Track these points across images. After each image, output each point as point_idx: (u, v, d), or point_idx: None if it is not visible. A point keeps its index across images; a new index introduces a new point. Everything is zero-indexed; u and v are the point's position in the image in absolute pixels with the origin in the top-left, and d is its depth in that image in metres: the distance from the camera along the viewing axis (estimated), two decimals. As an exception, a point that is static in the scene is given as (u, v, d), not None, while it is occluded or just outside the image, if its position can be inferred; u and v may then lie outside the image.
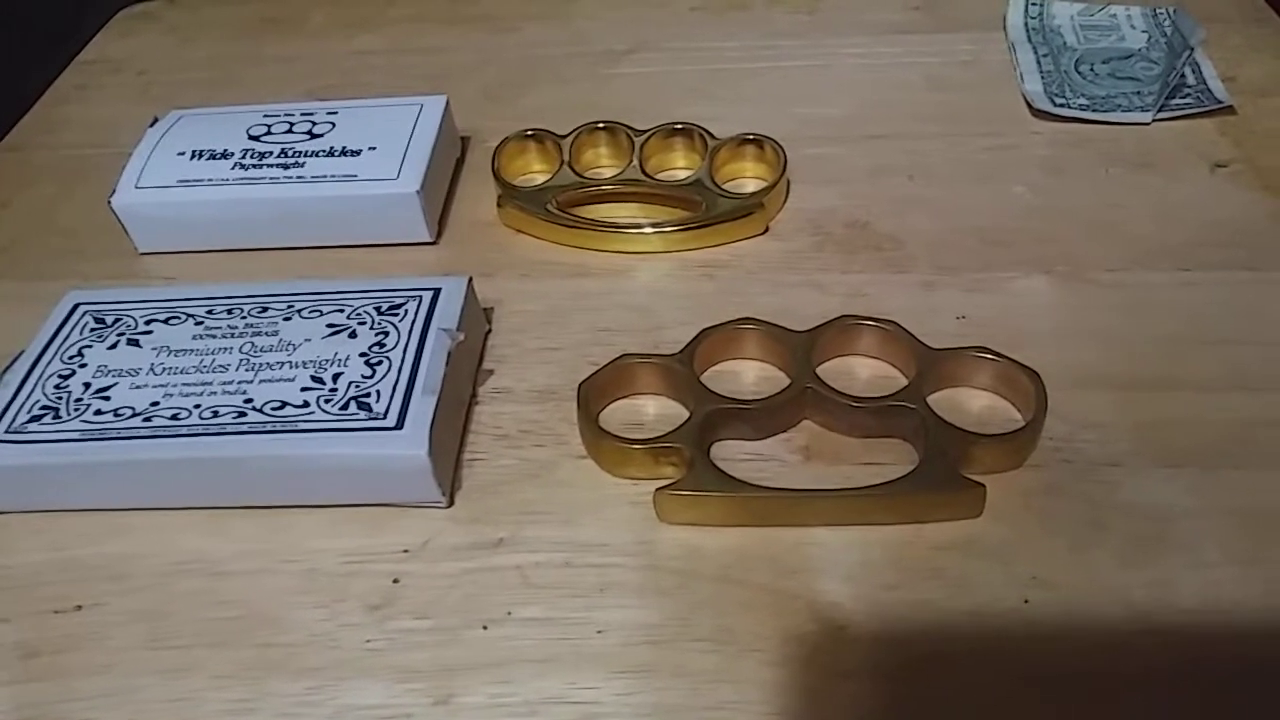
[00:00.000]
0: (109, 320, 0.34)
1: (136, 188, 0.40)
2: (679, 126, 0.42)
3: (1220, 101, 0.43)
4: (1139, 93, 0.44)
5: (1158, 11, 0.48)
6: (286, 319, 0.33)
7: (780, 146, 0.40)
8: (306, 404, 0.31)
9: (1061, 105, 0.43)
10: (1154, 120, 0.43)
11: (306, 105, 0.43)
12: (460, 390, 0.33)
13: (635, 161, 0.41)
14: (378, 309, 0.34)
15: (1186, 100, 0.43)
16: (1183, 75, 0.44)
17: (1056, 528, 0.29)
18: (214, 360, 0.32)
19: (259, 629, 0.29)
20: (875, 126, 0.44)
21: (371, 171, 0.39)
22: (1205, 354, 0.33)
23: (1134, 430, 0.31)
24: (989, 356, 0.32)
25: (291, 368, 0.32)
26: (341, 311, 0.34)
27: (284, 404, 0.31)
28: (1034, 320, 0.35)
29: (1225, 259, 0.37)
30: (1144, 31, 0.47)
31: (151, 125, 0.42)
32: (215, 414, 0.31)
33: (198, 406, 0.31)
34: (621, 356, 0.33)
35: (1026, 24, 0.48)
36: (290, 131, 0.41)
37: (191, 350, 0.33)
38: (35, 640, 0.29)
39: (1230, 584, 0.28)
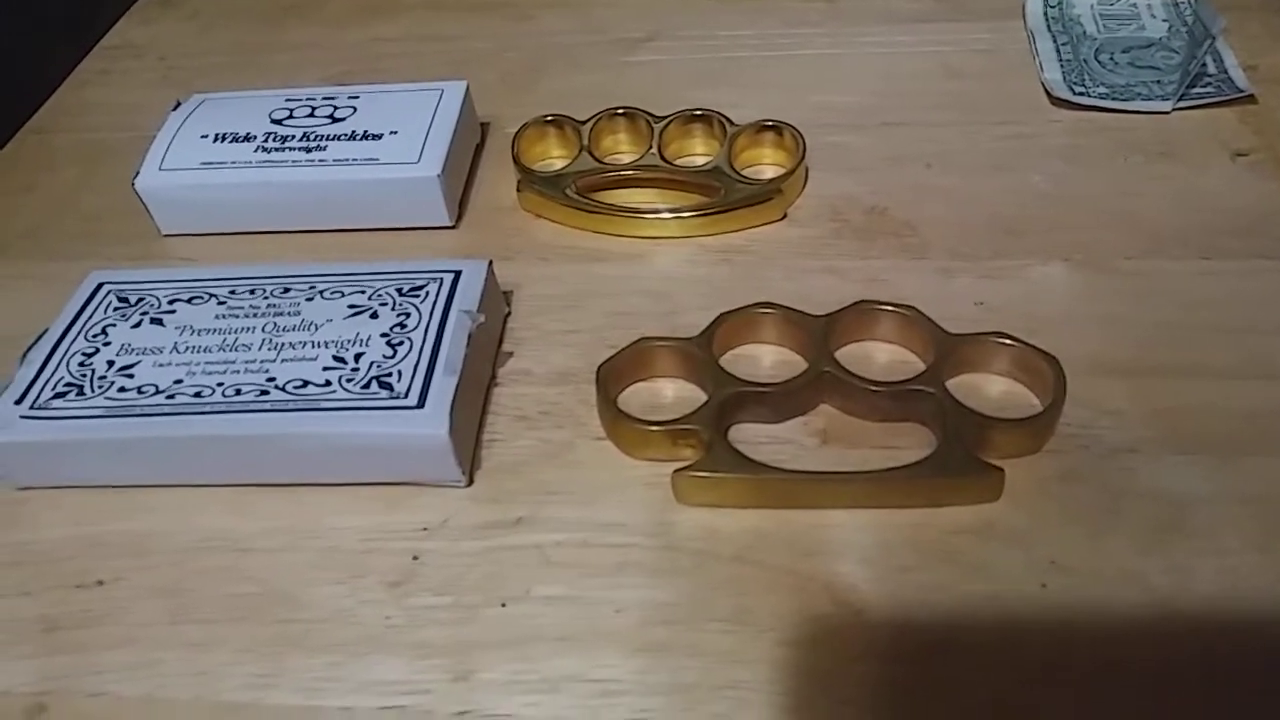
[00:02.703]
0: (132, 299, 0.34)
1: (160, 170, 0.40)
2: (698, 113, 0.42)
3: (1241, 90, 0.42)
4: (1159, 81, 0.44)
5: (1178, 0, 0.48)
6: (309, 299, 0.34)
7: (799, 133, 0.40)
8: (328, 383, 0.31)
9: (1081, 94, 0.43)
10: (1174, 109, 0.42)
11: (328, 90, 0.43)
12: (480, 372, 0.34)
13: (654, 147, 0.41)
14: (399, 290, 0.34)
15: (1207, 89, 0.43)
16: (1203, 64, 0.44)
17: (1074, 513, 0.29)
18: (237, 339, 0.33)
19: (280, 605, 0.29)
20: (893, 114, 0.44)
21: (393, 155, 0.39)
22: (1224, 342, 0.33)
23: (1152, 417, 0.31)
24: (1007, 342, 0.32)
25: (314, 347, 0.32)
26: (363, 293, 0.34)
27: (306, 383, 0.31)
28: (1052, 307, 0.35)
29: (1245, 248, 0.37)
30: (1164, 20, 0.47)
31: (174, 109, 0.43)
32: (238, 392, 0.31)
33: (220, 385, 0.31)
34: (640, 340, 0.33)
35: (1046, 12, 0.48)
36: (312, 115, 0.41)
37: (214, 329, 0.33)
38: (57, 614, 0.29)
39: (1248, 570, 0.28)
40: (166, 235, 0.41)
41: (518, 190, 0.41)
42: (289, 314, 0.33)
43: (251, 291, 0.34)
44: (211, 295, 0.34)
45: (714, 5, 0.52)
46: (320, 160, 0.39)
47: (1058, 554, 0.28)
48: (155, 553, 0.31)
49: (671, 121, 0.42)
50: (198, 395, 0.31)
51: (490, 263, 0.35)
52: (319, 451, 0.30)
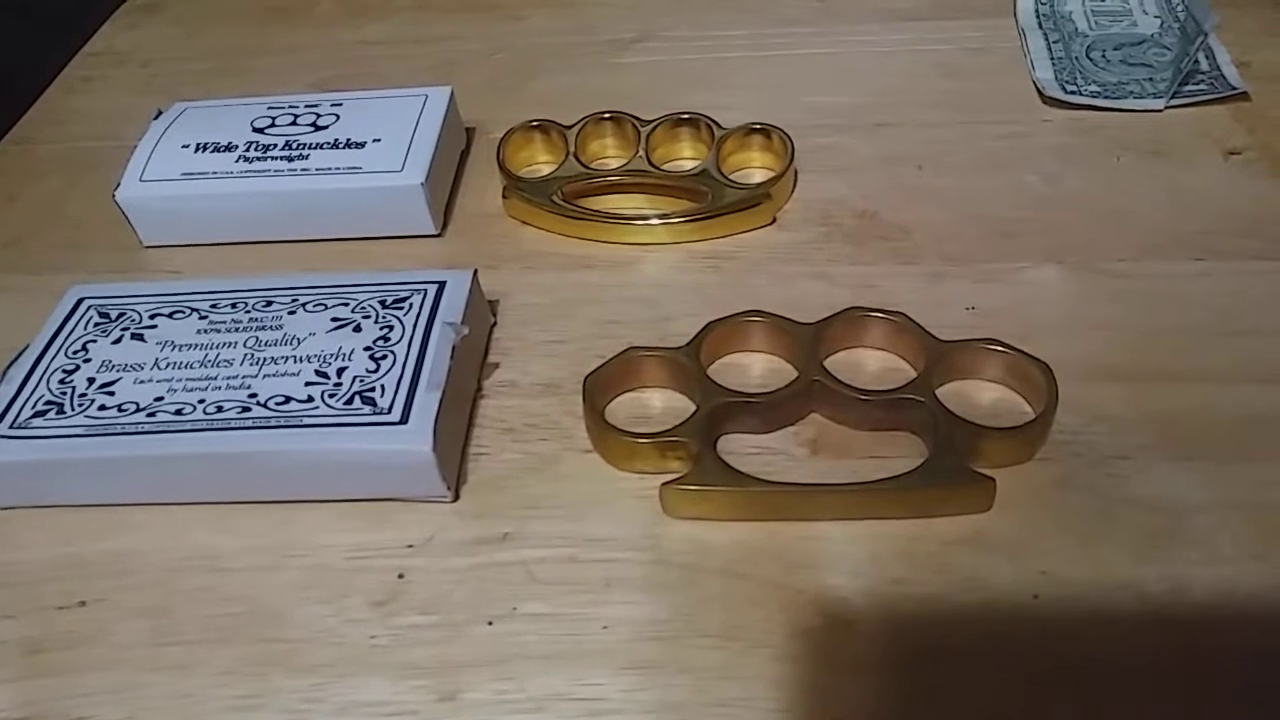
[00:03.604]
0: (113, 315, 0.34)
1: (141, 181, 0.40)
2: (685, 116, 0.41)
3: (1234, 88, 0.42)
4: (1151, 79, 0.43)
5: (1171, -4, 0.47)
6: (291, 313, 0.33)
7: (788, 136, 0.40)
8: (311, 399, 0.31)
9: (1073, 92, 0.43)
10: (1167, 107, 0.42)
11: (311, 97, 0.43)
12: (465, 384, 0.33)
13: (641, 152, 0.41)
14: (382, 303, 0.33)
15: (1200, 87, 0.43)
16: (1196, 61, 0.43)
17: (1067, 521, 0.29)
18: (218, 355, 0.32)
19: (263, 625, 0.29)
20: (884, 115, 0.44)
21: (376, 164, 0.39)
22: (1219, 345, 0.33)
23: (1146, 423, 0.31)
24: (999, 348, 0.32)
25: (296, 362, 0.32)
26: (346, 305, 0.33)
27: (288, 399, 0.31)
28: (1045, 311, 0.35)
29: (1239, 248, 0.36)
30: (1157, 17, 0.47)
31: (155, 118, 0.42)
32: (219, 409, 0.31)
33: (202, 402, 0.31)
34: (627, 350, 0.33)
35: (1037, 10, 0.48)
36: (295, 124, 0.41)
37: (196, 345, 0.33)
38: (39, 636, 0.29)
39: (1244, 578, 0.27)
40: (149, 246, 0.41)
41: (504, 197, 0.40)
42: (271, 328, 0.33)
43: (233, 305, 0.34)
44: (193, 310, 0.34)
45: (704, 5, 0.52)
46: (303, 169, 0.39)
47: (1050, 564, 0.28)
48: (138, 573, 0.30)
49: (659, 125, 0.41)
50: (179, 413, 0.31)
51: (475, 273, 0.35)
52: (301, 469, 0.30)
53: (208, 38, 0.54)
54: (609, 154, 0.42)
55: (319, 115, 0.41)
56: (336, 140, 0.40)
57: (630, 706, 0.26)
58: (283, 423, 0.30)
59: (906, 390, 0.31)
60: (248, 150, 0.40)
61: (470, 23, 0.52)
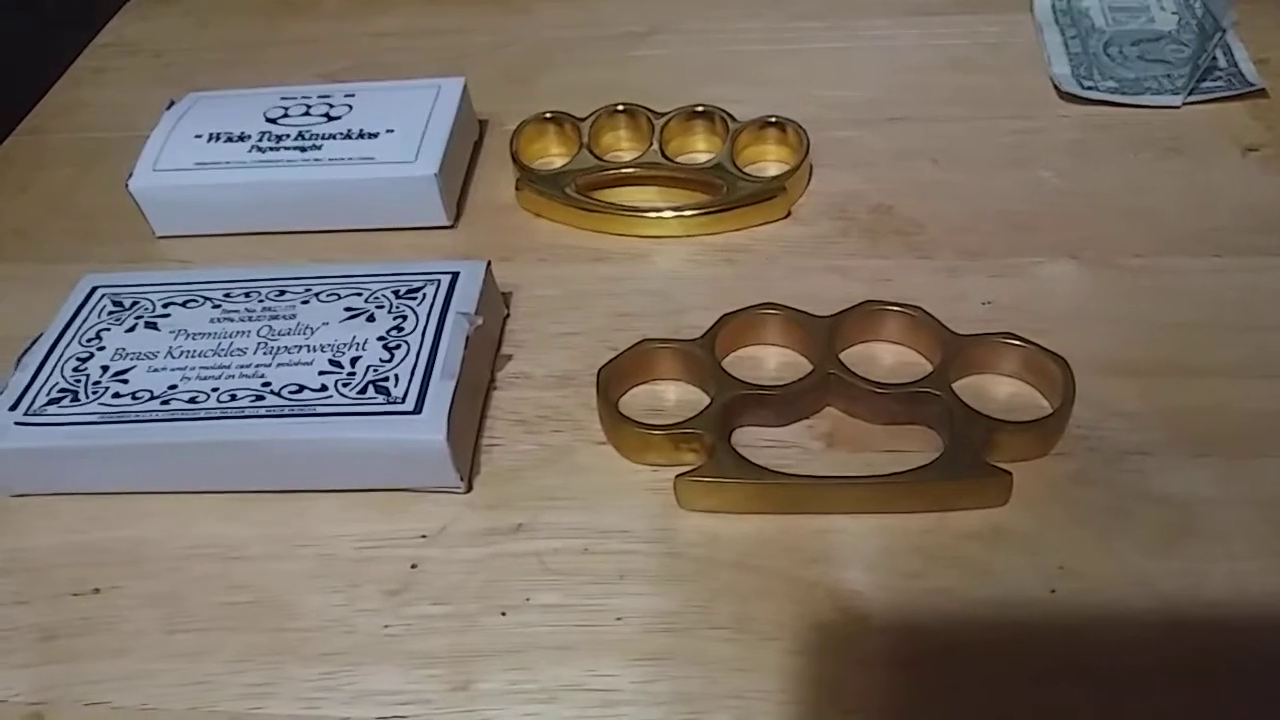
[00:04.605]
0: (126, 303, 0.34)
1: (154, 170, 0.40)
2: (700, 109, 0.41)
3: (1252, 84, 0.42)
4: (1169, 75, 0.43)
5: (1188, -8, 0.47)
6: (304, 302, 0.33)
7: (803, 129, 0.40)
8: (324, 388, 0.31)
9: (1090, 88, 0.43)
10: (1184, 103, 0.42)
11: (324, 88, 0.43)
12: (478, 375, 0.33)
13: (655, 144, 0.40)
14: (396, 293, 0.33)
15: (1217, 83, 0.42)
16: (1214, 58, 0.43)
17: (1083, 517, 0.29)
18: (232, 344, 0.32)
19: (275, 614, 0.29)
20: (899, 109, 0.43)
21: (389, 154, 0.39)
22: (1235, 341, 0.33)
23: (1163, 418, 0.31)
24: (1015, 342, 0.32)
25: (309, 351, 0.32)
26: (359, 295, 0.33)
27: (302, 388, 0.31)
28: (1061, 306, 0.34)
29: (1256, 244, 0.36)
30: (1174, 13, 0.46)
31: (168, 108, 0.42)
32: (233, 397, 0.30)
33: (215, 390, 0.31)
34: (641, 342, 0.33)
35: (1054, 5, 0.48)
36: (307, 114, 0.41)
37: (209, 334, 0.33)
38: (53, 623, 0.29)
39: (1260, 575, 0.27)
40: (161, 237, 0.41)
41: (517, 189, 0.40)
42: (284, 317, 0.33)
43: (246, 294, 0.34)
44: (206, 298, 0.34)
45: (716, -1, 0.52)
46: (315, 159, 0.39)
47: (1066, 558, 0.28)
48: (151, 560, 0.30)
49: (673, 118, 0.41)
50: (192, 401, 0.30)
51: (488, 264, 0.35)
52: (315, 457, 0.30)
53: (219, 29, 0.54)
54: (622, 146, 0.42)
55: (332, 106, 0.41)
56: (349, 131, 0.40)
57: (642, 697, 0.26)
58: (296, 411, 0.30)
59: (922, 384, 0.31)
60: (261, 140, 0.40)
61: (481, 16, 0.52)
